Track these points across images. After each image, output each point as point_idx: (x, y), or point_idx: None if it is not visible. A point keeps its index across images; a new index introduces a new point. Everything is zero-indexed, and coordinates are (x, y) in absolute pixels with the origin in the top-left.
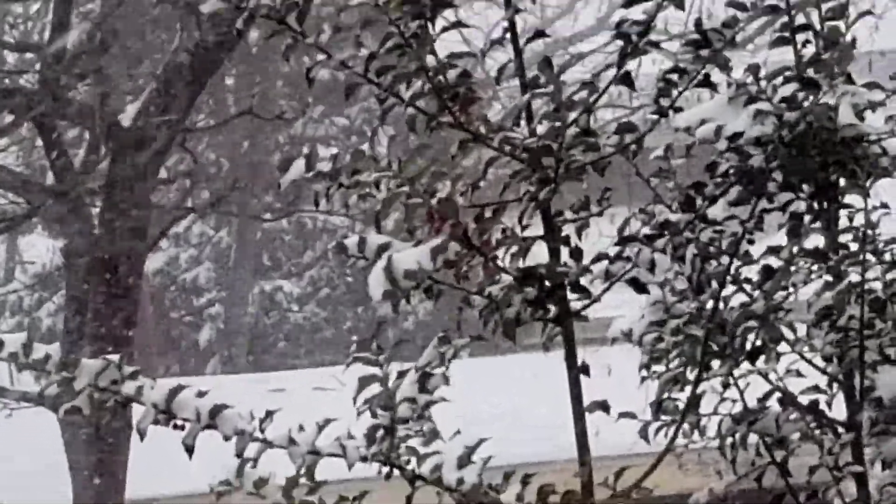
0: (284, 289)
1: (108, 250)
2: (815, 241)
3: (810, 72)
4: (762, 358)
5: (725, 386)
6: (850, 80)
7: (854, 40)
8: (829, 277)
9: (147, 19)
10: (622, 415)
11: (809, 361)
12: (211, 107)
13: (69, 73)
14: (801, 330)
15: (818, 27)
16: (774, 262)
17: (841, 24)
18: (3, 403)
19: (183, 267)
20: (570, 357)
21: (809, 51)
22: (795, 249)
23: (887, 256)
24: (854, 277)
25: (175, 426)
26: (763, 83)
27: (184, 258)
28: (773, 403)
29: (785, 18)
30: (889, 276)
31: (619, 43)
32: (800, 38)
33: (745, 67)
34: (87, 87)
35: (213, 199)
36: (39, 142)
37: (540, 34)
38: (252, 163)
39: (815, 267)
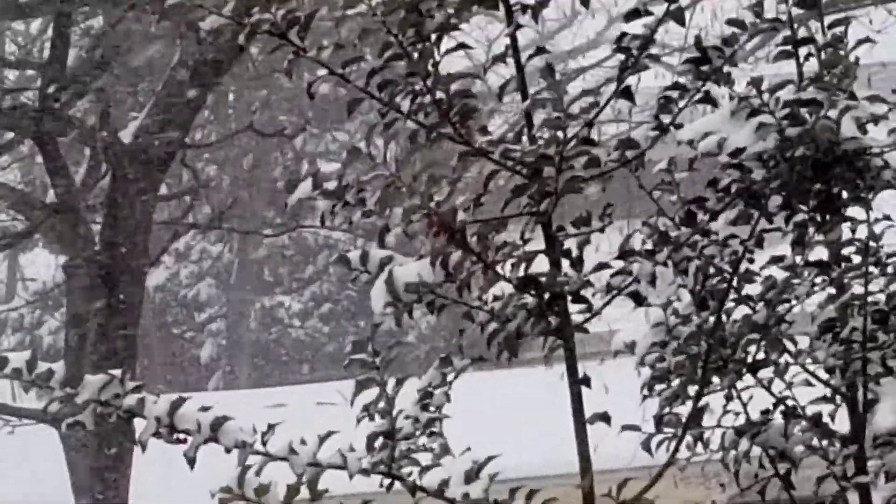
0: (286, 304)
1: (109, 267)
2: (819, 254)
3: (812, 90)
4: (765, 370)
5: (728, 399)
6: (853, 97)
7: (857, 60)
8: (832, 290)
9: (147, 36)
10: (625, 427)
11: (812, 374)
12: (211, 122)
13: (69, 90)
14: (804, 342)
15: (820, 40)
16: (776, 272)
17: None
18: (5, 420)
19: (184, 283)
20: (572, 370)
21: (812, 63)
22: (799, 259)
23: (890, 269)
24: (857, 289)
25: (177, 440)
26: (766, 96)
27: (185, 274)
28: (777, 416)
29: (787, 32)
30: (892, 288)
31: (620, 57)
32: (802, 51)
33: (748, 81)
34: (87, 104)
35: (214, 215)
36: (40, 159)
37: (541, 50)
38: (253, 178)
39: (818, 279)
